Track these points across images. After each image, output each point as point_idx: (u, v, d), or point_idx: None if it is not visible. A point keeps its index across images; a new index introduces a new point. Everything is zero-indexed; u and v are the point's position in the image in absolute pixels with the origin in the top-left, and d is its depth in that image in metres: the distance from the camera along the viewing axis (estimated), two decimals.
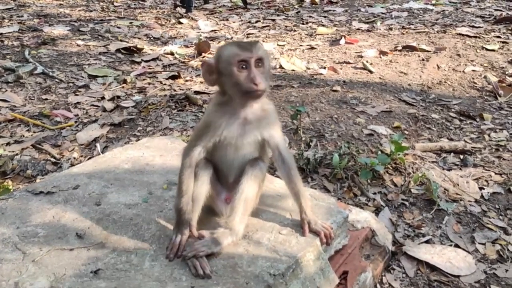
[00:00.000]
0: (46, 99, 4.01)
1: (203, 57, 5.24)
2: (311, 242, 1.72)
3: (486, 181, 2.73)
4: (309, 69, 4.69)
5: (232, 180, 1.75)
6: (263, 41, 5.82)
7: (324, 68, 4.64)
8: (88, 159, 2.61)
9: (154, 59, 5.15)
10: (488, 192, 2.61)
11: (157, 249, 1.66)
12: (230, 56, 1.57)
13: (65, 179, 2.13)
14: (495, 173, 2.80)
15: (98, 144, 3.17)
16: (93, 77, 4.54)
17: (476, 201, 2.55)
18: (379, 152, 2.80)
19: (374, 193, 2.56)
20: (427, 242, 2.25)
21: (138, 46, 5.55)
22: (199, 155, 1.66)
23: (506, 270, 2.08)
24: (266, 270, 1.56)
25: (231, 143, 1.66)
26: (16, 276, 1.52)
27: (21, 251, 1.64)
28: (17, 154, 3.10)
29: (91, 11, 7.64)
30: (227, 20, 7.31)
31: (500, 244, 2.23)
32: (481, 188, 2.65)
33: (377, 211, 2.42)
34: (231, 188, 1.75)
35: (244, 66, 1.56)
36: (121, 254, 1.63)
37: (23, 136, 3.38)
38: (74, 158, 3.06)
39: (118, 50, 5.40)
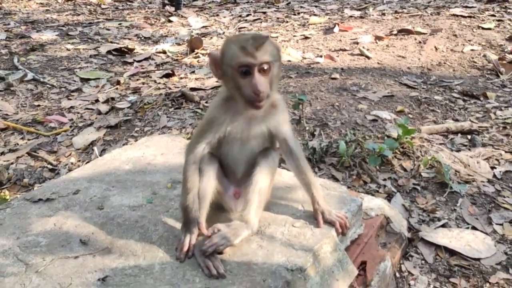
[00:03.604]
0: (39, 105, 3.91)
1: (196, 53, 5.14)
2: (326, 233, 1.65)
3: (497, 160, 2.66)
4: (305, 58, 4.60)
5: (240, 175, 1.67)
6: None
7: (321, 56, 4.55)
8: (86, 163, 2.51)
9: (146, 59, 5.04)
10: (500, 171, 2.55)
11: (167, 250, 1.58)
12: (231, 58, 1.43)
13: (64, 184, 2.04)
14: (505, 151, 2.73)
15: (95, 148, 3.07)
16: (85, 80, 4.43)
17: (489, 181, 2.48)
18: (386, 137, 2.73)
19: (384, 179, 2.48)
20: (443, 226, 2.18)
21: (129, 46, 5.43)
22: (203, 151, 1.58)
23: None
24: (283, 266, 1.49)
25: (236, 138, 1.58)
26: None
27: (23, 262, 1.55)
28: (12, 163, 3.00)
29: (79, 14, 7.50)
30: (217, 15, 7.20)
31: None
32: (492, 168, 2.59)
33: (388, 197, 2.35)
34: (239, 183, 1.67)
35: (246, 72, 1.42)
36: (128, 258, 1.55)
37: (17, 144, 3.27)
38: (72, 163, 2.96)
39: (109, 52, 5.29)
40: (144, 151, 2.31)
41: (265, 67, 1.42)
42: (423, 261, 1.99)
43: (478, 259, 1.97)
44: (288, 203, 1.81)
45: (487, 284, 1.85)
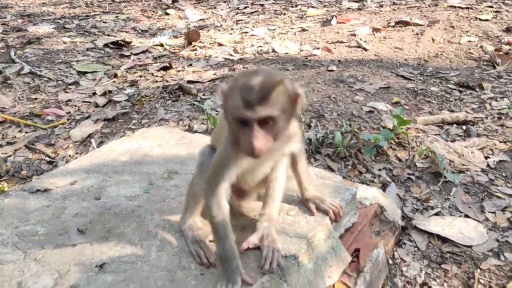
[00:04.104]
0: (36, 98, 3.91)
1: (194, 46, 5.14)
2: (320, 221, 1.67)
3: (491, 150, 2.69)
4: (302, 51, 4.61)
5: (250, 190, 1.67)
6: (253, 27, 5.72)
7: (318, 49, 4.56)
8: (84, 155, 2.54)
9: (143, 52, 5.05)
10: (494, 161, 2.57)
11: (162, 239, 1.60)
12: (232, 106, 1.29)
13: (61, 175, 2.06)
14: (500, 141, 2.75)
15: (93, 140, 3.09)
16: (82, 73, 4.43)
17: (483, 170, 2.51)
18: (381, 128, 2.75)
19: (379, 170, 2.51)
20: (436, 214, 2.21)
21: (126, 39, 5.43)
22: (225, 192, 1.45)
23: None
24: None
25: (250, 169, 1.49)
26: (19, 276, 1.46)
27: (21, 250, 1.58)
28: (10, 156, 3.02)
29: (75, 7, 7.47)
30: (214, 8, 7.18)
31: (511, 212, 2.19)
32: (486, 157, 2.61)
33: (383, 187, 2.37)
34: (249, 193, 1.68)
35: (245, 123, 1.27)
36: (125, 246, 1.58)
37: (15, 137, 3.29)
38: (69, 155, 2.98)
39: (106, 45, 5.29)
40: (141, 143, 2.33)
41: (269, 121, 1.26)
42: (415, 249, 2.02)
43: (470, 246, 2.00)
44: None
45: (478, 270, 1.88)
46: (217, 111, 3.08)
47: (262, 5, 7.05)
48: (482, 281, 1.84)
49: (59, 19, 6.67)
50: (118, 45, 5.28)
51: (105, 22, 6.45)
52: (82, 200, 1.85)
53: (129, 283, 1.41)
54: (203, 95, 3.65)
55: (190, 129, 3.02)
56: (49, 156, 2.99)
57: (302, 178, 1.68)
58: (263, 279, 1.42)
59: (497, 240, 2.04)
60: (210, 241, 1.56)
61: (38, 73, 4.38)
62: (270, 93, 1.24)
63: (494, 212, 2.21)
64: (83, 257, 1.53)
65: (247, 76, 1.31)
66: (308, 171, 1.74)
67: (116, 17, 6.73)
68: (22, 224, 1.72)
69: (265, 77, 1.29)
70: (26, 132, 3.34)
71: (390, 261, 1.96)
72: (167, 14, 6.96)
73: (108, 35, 5.79)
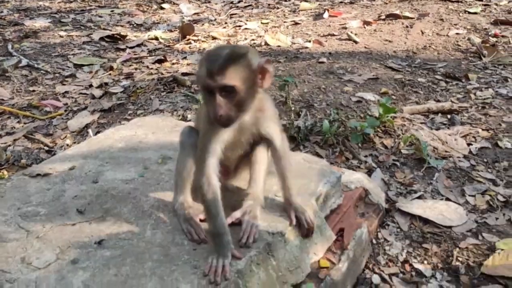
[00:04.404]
0: (34, 90, 3.99)
1: (188, 40, 5.22)
2: (306, 202, 1.77)
3: (474, 137, 2.80)
4: (294, 44, 4.70)
5: (233, 168, 1.76)
6: (247, 21, 5.80)
7: (309, 41, 4.65)
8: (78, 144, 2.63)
9: (139, 45, 5.11)
10: (476, 147, 2.68)
11: (157, 218, 1.70)
12: (198, 76, 1.43)
13: (60, 161, 2.16)
14: (482, 129, 2.87)
15: (90, 130, 3.18)
16: (78, 66, 4.50)
17: (465, 156, 2.62)
18: (368, 116, 2.85)
19: (366, 156, 2.61)
20: (419, 198, 2.32)
21: (122, 33, 5.49)
22: (214, 170, 1.52)
23: (497, 218, 2.16)
24: (265, 230, 1.61)
25: (230, 143, 1.57)
26: (22, 252, 1.56)
27: (24, 229, 1.67)
28: (9, 145, 3.10)
29: (71, 2, 7.51)
30: (209, 2, 7.23)
31: (490, 195, 2.30)
32: (469, 144, 2.72)
33: (369, 172, 2.48)
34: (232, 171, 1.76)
35: (210, 92, 1.38)
36: (122, 225, 1.67)
37: (14, 127, 3.37)
38: (67, 145, 3.07)
39: (101, 39, 5.35)
40: (136, 131, 2.43)
41: (229, 89, 1.36)
42: (398, 229, 2.13)
43: (450, 227, 2.11)
44: (272, 175, 1.93)
45: (457, 249, 1.99)
46: None
47: None
48: (460, 259, 1.95)
49: (55, 13, 6.71)
50: (114, 39, 5.34)
51: (101, 17, 6.51)
52: (80, 183, 1.95)
53: (126, 257, 1.51)
54: (197, 86, 3.74)
55: (184, 119, 3.11)
56: (47, 146, 3.08)
57: (285, 175, 1.68)
58: (251, 253, 1.52)
59: (476, 222, 2.15)
60: (201, 220, 1.66)
61: (36, 66, 4.45)
62: (231, 64, 1.36)
63: (474, 196, 2.32)
64: (83, 235, 1.63)
65: (216, 49, 1.46)
66: (292, 169, 1.72)
67: (112, 11, 6.79)
68: (24, 206, 1.81)
69: (230, 49, 1.41)
70: (25, 123, 3.42)
71: (374, 241, 2.07)
72: (162, 8, 7.02)
73: (104, 29, 5.86)
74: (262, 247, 1.55)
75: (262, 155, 1.68)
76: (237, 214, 1.62)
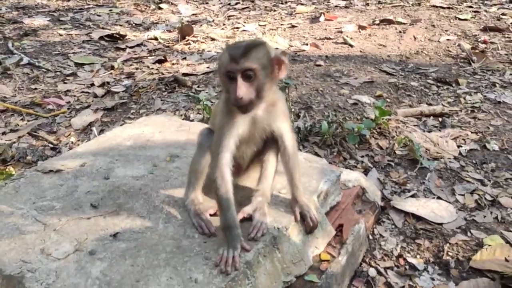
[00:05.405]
0: (36, 88, 4.05)
1: (187, 40, 5.31)
2: (309, 198, 1.88)
3: (464, 139, 2.94)
4: (291, 46, 4.82)
5: (245, 167, 1.86)
6: (245, 23, 5.91)
7: (306, 44, 4.77)
8: (87, 141, 2.71)
9: (138, 45, 5.19)
10: (465, 149, 2.82)
11: (168, 213, 1.79)
12: (220, 64, 1.56)
13: (71, 158, 2.24)
14: (471, 132, 3.01)
15: (94, 128, 3.26)
16: (79, 65, 4.57)
17: (455, 158, 2.76)
18: (364, 118, 2.98)
19: (362, 156, 2.74)
20: (412, 196, 2.45)
21: (121, 32, 5.56)
22: (228, 165, 1.62)
23: (484, 216, 2.30)
24: (271, 224, 1.72)
25: (244, 138, 1.66)
26: (41, 244, 1.64)
27: (41, 222, 1.75)
28: (14, 142, 3.17)
29: (69, 0, 7.55)
30: (206, 3, 7.33)
31: (478, 194, 2.44)
32: (459, 146, 2.86)
33: (365, 172, 2.60)
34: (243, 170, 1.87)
35: (232, 78, 1.51)
36: (135, 219, 1.76)
37: (18, 125, 3.44)
38: (72, 142, 3.15)
39: (101, 38, 5.42)
40: (143, 129, 2.52)
41: (250, 73, 1.48)
42: (393, 226, 2.25)
43: (441, 224, 2.25)
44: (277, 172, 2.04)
45: (447, 244, 2.12)
46: (211, 101, 3.27)
47: (252, 1, 7.22)
48: (450, 253, 2.08)
49: (54, 11, 6.75)
50: (113, 38, 5.41)
51: (99, 16, 6.57)
52: (92, 179, 2.03)
53: (140, 249, 1.61)
54: (198, 87, 3.83)
55: (186, 119, 3.21)
56: (52, 143, 3.15)
57: (294, 173, 1.76)
58: (258, 246, 1.62)
59: (465, 219, 2.29)
60: (211, 214, 1.76)
61: (37, 64, 4.51)
62: (252, 50, 1.50)
63: (463, 195, 2.46)
64: (98, 228, 1.72)
65: (236, 42, 1.67)
66: (300, 169, 1.81)
67: (110, 10, 6.84)
68: (39, 200, 1.89)
69: (250, 40, 1.64)
70: (28, 121, 3.49)
71: (370, 237, 2.19)
72: (160, 8, 7.09)
73: (103, 28, 5.92)
74: (268, 240, 1.66)
75: (272, 154, 1.78)
76: (248, 210, 1.72)
